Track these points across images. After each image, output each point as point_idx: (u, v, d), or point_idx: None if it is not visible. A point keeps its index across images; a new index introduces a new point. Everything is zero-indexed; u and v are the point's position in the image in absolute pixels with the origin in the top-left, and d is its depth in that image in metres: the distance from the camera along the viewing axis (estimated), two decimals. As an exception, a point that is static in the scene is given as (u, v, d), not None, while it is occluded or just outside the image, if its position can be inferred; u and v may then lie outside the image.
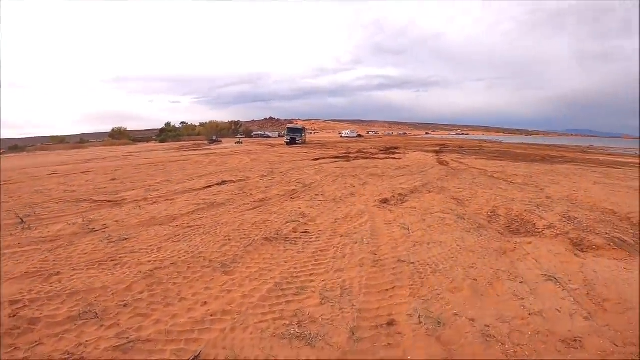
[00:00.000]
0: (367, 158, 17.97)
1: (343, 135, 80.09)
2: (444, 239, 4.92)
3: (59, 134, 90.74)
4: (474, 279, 3.70)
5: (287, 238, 5.01)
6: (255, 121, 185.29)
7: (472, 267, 4.03)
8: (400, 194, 8.04)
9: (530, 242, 4.88)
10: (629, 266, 4.07)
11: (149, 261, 4.25)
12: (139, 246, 4.79)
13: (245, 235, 5.19)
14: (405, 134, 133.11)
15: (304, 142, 43.11)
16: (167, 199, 8.12)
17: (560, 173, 12.62)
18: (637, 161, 19.94)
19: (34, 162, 22.66)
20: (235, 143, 50.45)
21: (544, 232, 5.41)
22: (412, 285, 3.61)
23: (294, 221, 5.84)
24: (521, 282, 3.67)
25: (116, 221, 6.20)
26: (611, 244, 4.83)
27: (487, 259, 4.26)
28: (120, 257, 4.37)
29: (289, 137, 39.60)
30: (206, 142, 60.07)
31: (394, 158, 18.30)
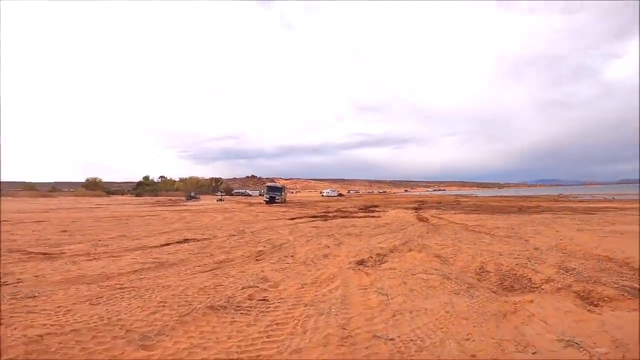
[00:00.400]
0: (345, 217, 17.34)
1: (324, 194, 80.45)
2: (430, 305, 4.10)
3: (30, 181, 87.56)
4: (472, 356, 2.86)
5: (238, 307, 4.06)
6: (237, 179, 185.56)
7: (468, 338, 3.20)
8: (378, 254, 7.27)
9: (531, 301, 4.15)
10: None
11: (45, 324, 3.44)
12: (44, 306, 4.06)
13: (186, 301, 4.21)
14: (385, 192, 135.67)
15: (283, 201, 42.43)
16: (112, 256, 7.18)
17: (540, 222, 12.33)
18: (609, 205, 20.30)
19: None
20: (217, 200, 49.19)
21: (542, 287, 4.72)
22: (392, 375, 2.71)
23: (252, 286, 4.89)
24: (534, 353, 2.87)
25: (36, 276, 5.45)
26: (624, 293, 4.22)
27: (485, 327, 3.44)
28: (11, 317, 3.66)
29: (268, 196, 38.90)
30: (183, 198, 58.56)
31: (374, 216, 17.77)
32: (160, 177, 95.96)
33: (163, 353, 2.90)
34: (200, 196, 69.24)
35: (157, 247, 8.44)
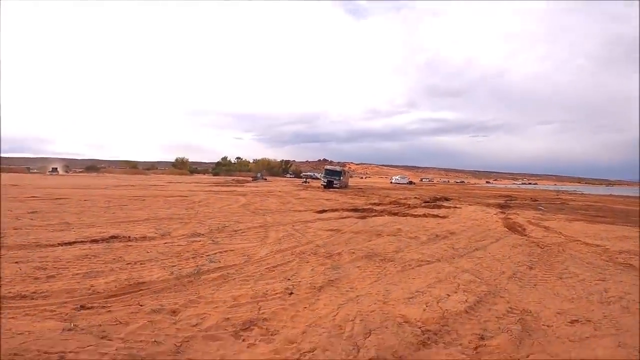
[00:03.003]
0: (396, 214, 12.27)
1: (393, 181, 73.70)
2: None
3: (134, 160, 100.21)
4: None
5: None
6: (309, 162, 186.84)
7: None
8: (409, 343, 2.58)
9: None
10: None
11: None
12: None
13: None
14: (463, 182, 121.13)
15: (345, 186, 38.04)
16: None
17: None
18: None
19: (70, 182, 20.39)
20: (302, 182, 47.45)
21: None
22: None
23: None
24: None
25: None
26: None
27: None
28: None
29: (325, 180, 34.97)
30: (250, 179, 58.70)
31: (438, 215, 12.36)
32: (237, 158, 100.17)
33: None
34: (269, 178, 69.35)
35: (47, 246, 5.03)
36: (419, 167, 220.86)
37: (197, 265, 4.85)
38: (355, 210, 13.08)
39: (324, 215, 11.31)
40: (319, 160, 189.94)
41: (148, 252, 5.45)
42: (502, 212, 14.22)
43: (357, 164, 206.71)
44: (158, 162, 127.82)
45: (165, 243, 6.20)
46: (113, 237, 6.37)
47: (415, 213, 12.54)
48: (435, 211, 13.66)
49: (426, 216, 11.76)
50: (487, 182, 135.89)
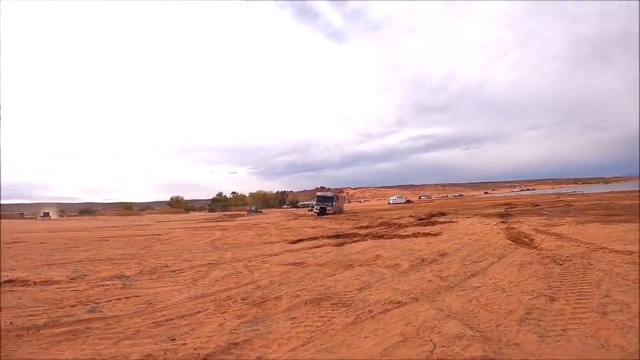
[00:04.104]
0: (381, 236, 10.50)
1: (390, 201, 71.78)
2: None
3: (128, 201, 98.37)
4: None
5: None
6: (306, 191, 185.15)
7: None
8: None
9: None
10: None
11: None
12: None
13: None
14: (461, 195, 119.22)
15: (339, 211, 36.16)
16: None
17: None
18: None
19: (54, 226, 18.29)
20: (309, 211, 45.22)
21: None
22: None
23: None
24: None
25: None
26: None
27: None
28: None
29: (318, 207, 33.17)
30: (245, 212, 56.87)
31: (429, 233, 10.61)
32: (232, 193, 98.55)
33: None
34: (265, 210, 67.54)
35: None
36: (416, 186, 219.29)
37: (51, 318, 3.29)
38: (337, 236, 11.33)
39: (297, 245, 9.56)
40: (316, 188, 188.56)
41: (20, 300, 3.95)
42: (503, 222, 12.46)
43: (354, 189, 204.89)
44: (154, 202, 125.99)
45: (61, 288, 4.82)
46: (9, 281, 4.90)
47: (404, 233, 10.76)
48: (428, 228, 11.90)
49: (416, 235, 10.01)
50: (485, 192, 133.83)
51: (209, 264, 7.00)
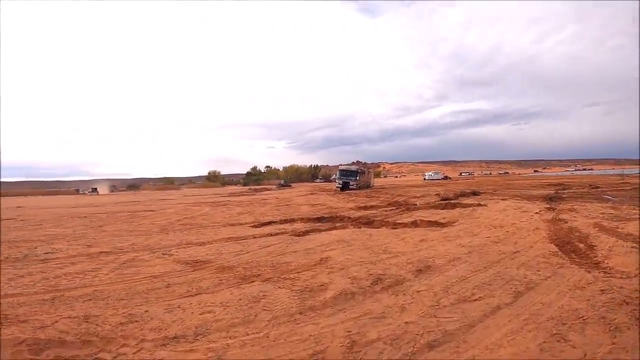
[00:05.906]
0: (369, 223, 7.78)
1: (426, 177, 66.70)
2: None
3: (173, 176, 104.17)
4: None
5: None
6: (343, 165, 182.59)
7: None
8: None
9: None
10: None
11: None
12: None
13: None
14: (507, 173, 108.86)
15: (366, 186, 33.36)
16: None
17: None
18: None
19: (83, 202, 18.46)
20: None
21: None
22: None
23: None
24: None
25: None
26: None
27: None
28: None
29: (341, 182, 30.62)
30: (274, 186, 56.26)
31: (436, 222, 7.76)
32: (266, 167, 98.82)
33: None
34: (297, 184, 66.53)
35: None
36: (457, 162, 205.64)
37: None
38: (320, 219, 8.90)
39: (255, 230, 7.31)
40: (352, 162, 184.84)
41: None
42: (549, 209, 9.13)
43: (391, 164, 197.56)
44: (196, 177, 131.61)
45: None
46: None
47: (402, 221, 7.97)
48: (441, 214, 8.95)
49: (416, 225, 7.23)
50: (535, 170, 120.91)
51: (100, 252, 5.05)
